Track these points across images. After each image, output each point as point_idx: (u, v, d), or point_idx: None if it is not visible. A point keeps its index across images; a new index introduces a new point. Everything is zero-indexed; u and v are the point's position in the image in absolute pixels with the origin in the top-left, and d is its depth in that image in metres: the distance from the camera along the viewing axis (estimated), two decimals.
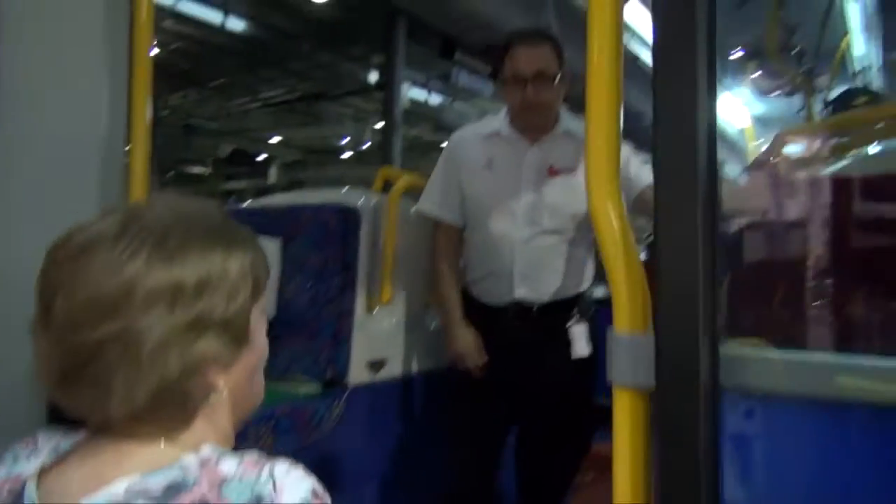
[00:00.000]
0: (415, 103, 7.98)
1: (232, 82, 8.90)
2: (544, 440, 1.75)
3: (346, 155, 12.92)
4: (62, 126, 1.07)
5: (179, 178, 13.76)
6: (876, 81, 4.86)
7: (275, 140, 12.47)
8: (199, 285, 0.58)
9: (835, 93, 3.75)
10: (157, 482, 0.54)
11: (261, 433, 1.51)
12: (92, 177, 1.10)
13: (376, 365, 1.86)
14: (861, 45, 4.15)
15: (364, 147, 11.67)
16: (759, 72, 5.51)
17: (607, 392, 0.56)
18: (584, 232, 1.71)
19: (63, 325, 0.56)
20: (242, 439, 0.69)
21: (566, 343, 1.68)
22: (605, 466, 0.59)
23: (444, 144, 1.89)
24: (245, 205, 2.13)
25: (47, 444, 0.62)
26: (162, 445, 0.59)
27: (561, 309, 1.70)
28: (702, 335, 0.47)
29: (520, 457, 1.82)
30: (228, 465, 0.57)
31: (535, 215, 1.68)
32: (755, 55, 4.97)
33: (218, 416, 0.63)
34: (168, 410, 0.59)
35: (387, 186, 2.13)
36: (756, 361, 0.52)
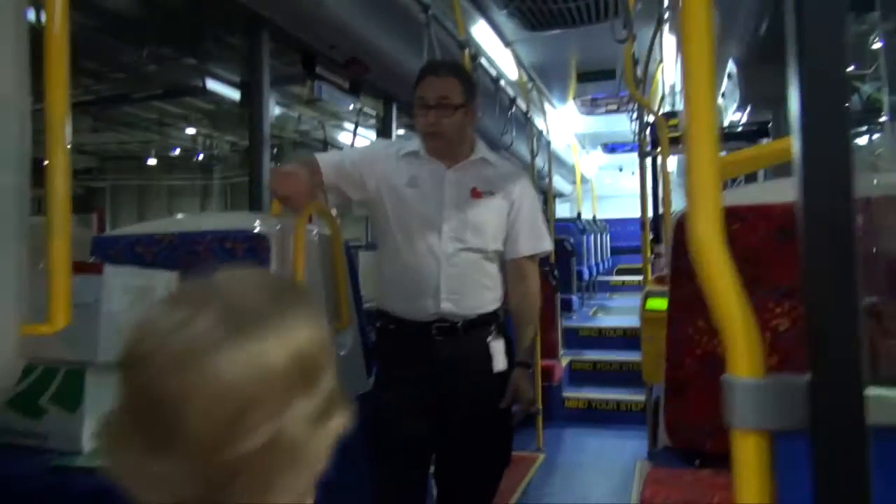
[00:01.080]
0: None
1: None
2: (468, 454, 1.78)
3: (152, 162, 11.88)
4: None
5: None
6: (680, 103, 5.65)
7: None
8: (315, 354, 0.53)
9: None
10: None
11: None
12: None
13: None
14: (671, 72, 4.79)
15: (175, 154, 10.82)
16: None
17: None
18: (498, 251, 1.80)
19: (199, 447, 0.48)
20: None
21: (487, 358, 1.73)
22: None
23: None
24: (125, 231, 1.87)
25: None
26: None
27: (481, 324, 1.75)
28: (859, 376, 0.52)
29: (443, 474, 1.83)
30: None
31: (460, 232, 1.73)
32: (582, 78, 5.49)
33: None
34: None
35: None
36: None
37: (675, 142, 3.63)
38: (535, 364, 3.77)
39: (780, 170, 1.99)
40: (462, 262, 1.73)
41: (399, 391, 1.71)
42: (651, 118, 4.17)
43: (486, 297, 1.76)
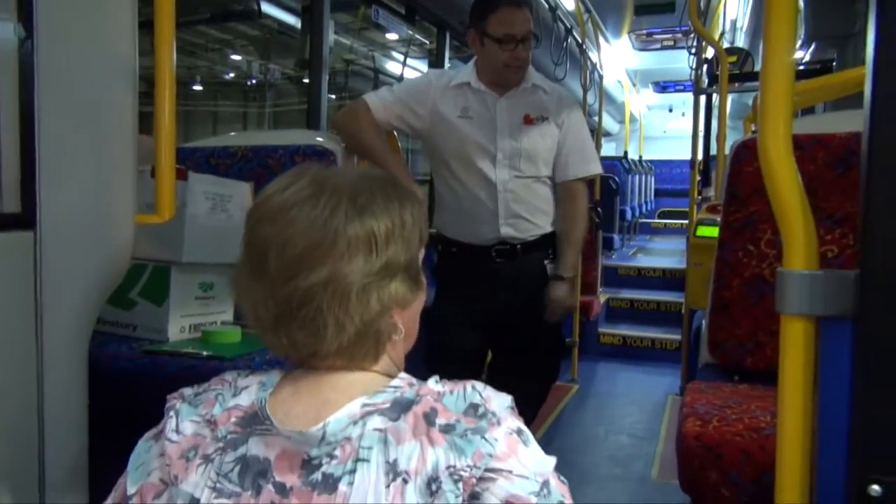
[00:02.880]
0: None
1: None
2: (519, 365, 1.88)
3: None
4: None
5: None
6: (739, 40, 5.46)
7: None
8: (388, 233, 0.65)
9: (710, 51, 4.17)
10: (383, 400, 0.63)
11: None
12: None
13: None
14: (733, 6, 4.62)
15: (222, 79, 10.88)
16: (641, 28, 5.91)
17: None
18: (550, 174, 1.86)
19: (277, 276, 0.63)
20: None
21: (544, 277, 1.82)
22: None
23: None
24: (200, 143, 1.98)
25: (246, 383, 0.68)
26: (363, 374, 0.67)
27: (538, 246, 1.83)
28: None
29: (494, 385, 1.94)
30: (433, 385, 0.65)
31: (514, 160, 1.78)
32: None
33: (397, 351, 0.72)
34: (366, 347, 0.67)
35: None
36: None
37: (732, 79, 3.55)
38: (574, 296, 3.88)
39: (839, 105, 1.98)
40: (518, 187, 1.79)
41: (460, 307, 1.81)
42: (709, 54, 4.06)
43: (541, 219, 1.83)
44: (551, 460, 0.62)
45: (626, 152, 8.21)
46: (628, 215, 7.29)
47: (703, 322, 1.97)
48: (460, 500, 0.56)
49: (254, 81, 10.57)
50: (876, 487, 0.61)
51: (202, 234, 1.64)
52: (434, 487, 0.57)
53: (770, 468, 0.70)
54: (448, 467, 0.57)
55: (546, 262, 1.83)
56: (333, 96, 7.01)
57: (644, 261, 6.38)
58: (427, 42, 5.30)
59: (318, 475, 0.60)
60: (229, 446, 0.63)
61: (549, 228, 1.85)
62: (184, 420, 0.66)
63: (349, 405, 0.63)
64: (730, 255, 1.41)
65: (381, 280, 0.65)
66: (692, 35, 4.33)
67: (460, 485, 0.57)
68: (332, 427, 0.61)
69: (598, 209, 4.48)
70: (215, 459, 0.63)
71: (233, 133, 2.14)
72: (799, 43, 4.25)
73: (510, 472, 0.58)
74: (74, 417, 1.05)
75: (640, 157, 9.41)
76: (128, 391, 1.44)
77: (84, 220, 1.02)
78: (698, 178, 3.96)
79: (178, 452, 0.64)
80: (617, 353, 4.79)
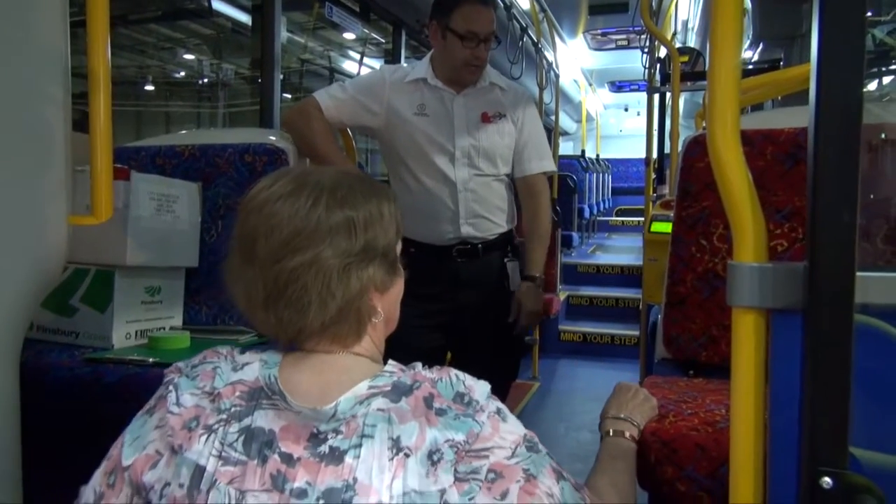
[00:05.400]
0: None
1: None
2: (479, 364, 1.86)
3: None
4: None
5: None
6: (690, 40, 5.56)
7: None
8: (366, 221, 0.73)
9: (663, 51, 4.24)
10: (384, 384, 0.69)
11: None
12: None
13: None
14: (684, 6, 4.70)
15: (174, 79, 10.61)
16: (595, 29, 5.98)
17: None
18: (508, 173, 1.85)
19: (265, 259, 0.70)
20: None
21: (504, 276, 1.81)
22: None
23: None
24: (146, 142, 1.91)
25: (246, 360, 0.73)
26: (356, 359, 0.74)
27: (498, 244, 1.81)
28: (852, 264, 0.59)
29: None
30: (422, 370, 0.71)
31: (472, 158, 1.77)
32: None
33: (377, 334, 0.78)
34: (347, 325, 0.73)
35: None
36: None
37: (684, 78, 3.61)
38: None
39: (787, 102, 2.02)
40: (478, 186, 1.77)
41: (419, 307, 1.78)
42: (662, 53, 4.13)
43: (500, 217, 1.82)
44: (520, 428, 0.70)
45: (583, 151, 8.31)
46: (586, 213, 7.38)
47: (659, 317, 1.99)
48: (455, 468, 0.64)
49: (206, 81, 10.35)
50: (828, 480, 0.61)
51: (147, 237, 1.58)
52: (436, 458, 0.64)
53: (725, 462, 0.70)
54: (447, 441, 0.64)
55: (505, 260, 1.82)
56: (290, 96, 6.91)
57: (603, 258, 6.46)
58: (383, 41, 5.26)
59: (325, 447, 0.65)
60: (233, 418, 0.68)
61: (506, 227, 1.84)
62: (183, 393, 0.71)
63: (356, 387, 0.69)
64: (683, 250, 1.42)
65: (360, 262, 0.72)
66: (645, 35, 4.39)
67: (454, 454, 0.64)
68: (342, 406, 0.67)
69: (557, 207, 4.52)
70: (218, 430, 0.67)
71: (182, 132, 2.07)
72: (747, 43, 4.36)
73: (493, 447, 0.66)
74: (4, 427, 0.99)
75: (598, 155, 9.55)
76: (66, 400, 1.37)
77: (11, 221, 0.96)
78: (653, 175, 4.02)
79: (181, 423, 0.68)
80: (577, 349, 4.84)
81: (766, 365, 0.68)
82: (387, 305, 0.77)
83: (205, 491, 0.64)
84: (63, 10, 1.03)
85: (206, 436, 0.67)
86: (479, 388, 0.70)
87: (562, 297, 5.11)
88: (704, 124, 1.57)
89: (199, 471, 0.65)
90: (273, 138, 1.81)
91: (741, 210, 0.66)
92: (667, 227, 1.77)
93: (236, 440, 0.66)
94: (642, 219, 7.65)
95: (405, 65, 1.92)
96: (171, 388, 0.72)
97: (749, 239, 0.67)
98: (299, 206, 0.70)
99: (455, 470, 0.64)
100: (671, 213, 1.95)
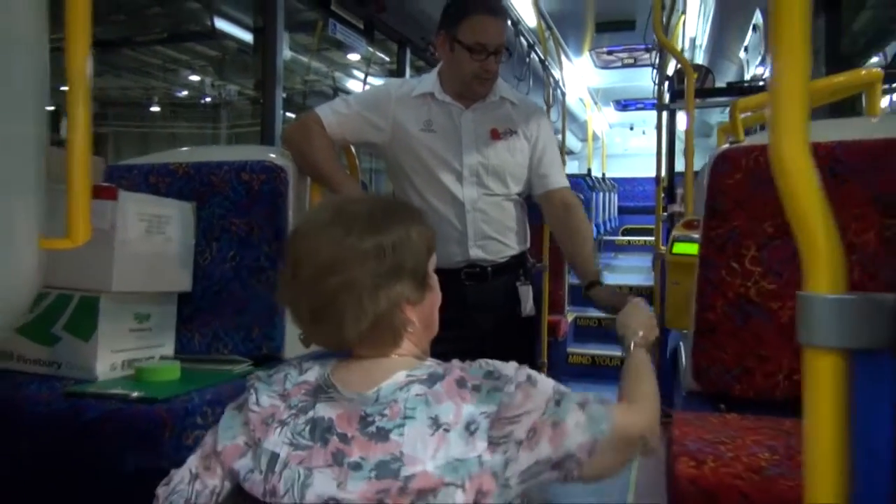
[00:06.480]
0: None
1: None
2: None
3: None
4: None
5: None
6: (698, 57, 5.49)
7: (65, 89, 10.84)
8: (394, 245, 0.82)
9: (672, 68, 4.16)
10: (421, 373, 0.80)
11: (210, 421, 1.33)
12: None
13: None
14: (692, 24, 4.64)
15: (179, 101, 10.63)
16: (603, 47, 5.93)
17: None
18: (520, 192, 1.74)
19: (307, 281, 0.81)
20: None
21: (516, 301, 1.70)
22: None
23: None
24: (139, 160, 1.82)
25: (309, 366, 0.85)
26: (400, 358, 0.85)
27: (510, 268, 1.71)
28: None
29: None
30: (456, 362, 0.82)
31: (481, 177, 1.67)
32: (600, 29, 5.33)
33: (417, 338, 0.88)
34: (383, 337, 0.83)
35: None
36: None
37: (696, 94, 3.52)
38: (543, 319, 3.77)
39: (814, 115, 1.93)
40: (487, 206, 1.67)
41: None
42: (670, 70, 4.05)
43: (512, 240, 1.71)
44: (549, 383, 0.82)
45: (589, 170, 8.23)
46: (594, 232, 7.27)
47: (681, 343, 1.88)
48: (488, 434, 0.74)
49: (209, 100, 10.36)
50: None
51: (136, 260, 1.48)
52: (472, 428, 0.74)
53: None
54: (482, 413, 0.75)
55: (518, 283, 1.71)
56: (293, 115, 6.86)
57: (610, 278, 6.32)
58: (388, 60, 5.20)
59: (372, 428, 0.76)
60: (301, 412, 0.80)
61: (518, 249, 1.73)
62: (262, 395, 0.83)
63: (396, 375, 0.80)
64: (712, 273, 1.32)
65: (389, 281, 0.81)
66: (654, 52, 4.32)
67: (489, 423, 0.74)
68: (384, 391, 0.78)
69: None
70: (290, 423, 0.79)
71: (179, 149, 1.98)
72: (759, 59, 4.29)
73: (525, 413, 0.76)
74: None
75: (604, 174, 9.46)
76: (43, 437, 1.26)
77: None
78: (662, 194, 3.93)
79: (260, 419, 0.80)
80: (586, 373, 4.69)
81: (847, 415, 0.57)
82: (422, 316, 0.87)
83: (278, 472, 0.76)
84: (43, 12, 0.94)
85: (279, 428, 0.79)
86: (506, 367, 0.81)
87: (570, 318, 4.99)
88: (731, 139, 1.47)
89: (273, 457, 0.77)
90: (273, 156, 1.72)
91: (814, 230, 0.56)
92: (691, 249, 1.67)
93: (304, 430, 0.78)
94: (649, 238, 7.54)
95: (412, 79, 1.82)
96: (252, 391, 0.83)
97: (823, 265, 0.56)
98: (336, 235, 0.80)
99: (489, 436, 0.74)
100: (694, 234, 1.84)
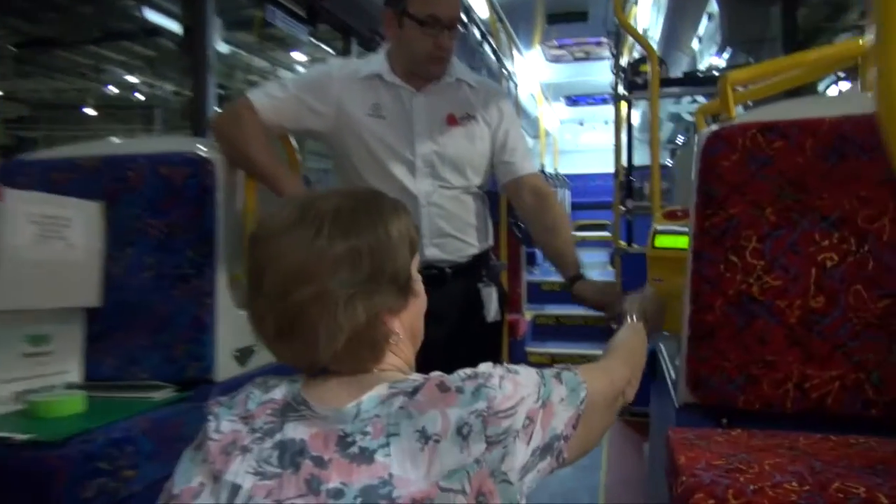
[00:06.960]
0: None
1: None
2: None
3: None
4: None
5: None
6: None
7: None
8: (371, 248, 0.71)
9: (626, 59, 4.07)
10: (404, 386, 0.70)
11: (118, 465, 1.09)
12: None
13: (244, 353, 1.50)
14: (645, 15, 4.55)
15: (114, 103, 10.10)
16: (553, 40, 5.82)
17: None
18: (481, 185, 1.57)
19: (272, 293, 0.69)
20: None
21: (479, 305, 1.52)
22: None
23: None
24: (39, 155, 1.55)
25: (276, 383, 0.73)
26: (381, 372, 0.74)
27: (471, 268, 1.53)
28: None
29: None
30: (435, 373, 0.72)
31: (436, 168, 1.48)
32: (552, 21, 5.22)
33: (401, 350, 0.78)
34: (363, 353, 0.73)
35: None
36: None
37: (643, 87, 3.43)
38: (503, 319, 3.63)
39: (791, 95, 1.81)
40: (443, 200, 1.49)
41: None
42: (624, 62, 3.95)
43: (473, 237, 1.54)
44: (532, 373, 0.76)
45: (542, 166, 8.15)
46: None
47: (661, 346, 1.72)
48: (484, 434, 0.67)
49: (144, 100, 9.90)
50: None
51: (27, 270, 1.23)
52: (465, 431, 0.66)
53: None
54: (472, 413, 0.67)
55: (480, 285, 1.53)
56: None
57: None
58: (334, 55, 4.97)
59: (354, 449, 0.66)
60: (266, 435, 0.69)
61: (479, 247, 1.55)
62: (222, 420, 0.71)
63: (378, 387, 0.70)
64: (708, 268, 1.15)
65: (366, 291, 0.70)
66: (609, 42, 4.22)
67: (482, 422, 0.67)
68: (365, 405, 0.69)
69: (521, 224, 4.29)
70: (254, 449, 0.68)
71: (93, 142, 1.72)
72: (714, 49, 4.23)
73: (519, 403, 0.70)
74: None
75: (556, 170, 9.41)
76: None
77: None
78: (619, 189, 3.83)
79: (219, 449, 0.69)
80: None
81: None
82: (406, 325, 0.78)
83: None
84: None
85: (241, 455, 0.68)
86: (482, 367, 0.74)
87: (528, 317, 4.86)
88: (720, 118, 1.32)
89: (234, 490, 0.66)
90: (199, 147, 1.48)
91: None
92: (678, 242, 1.52)
93: (271, 455, 0.68)
94: (605, 233, 7.49)
95: (357, 59, 1.62)
96: (211, 417, 0.73)
97: None
98: (302, 237, 0.70)
99: (486, 436, 0.67)
100: (676, 226, 1.69)
